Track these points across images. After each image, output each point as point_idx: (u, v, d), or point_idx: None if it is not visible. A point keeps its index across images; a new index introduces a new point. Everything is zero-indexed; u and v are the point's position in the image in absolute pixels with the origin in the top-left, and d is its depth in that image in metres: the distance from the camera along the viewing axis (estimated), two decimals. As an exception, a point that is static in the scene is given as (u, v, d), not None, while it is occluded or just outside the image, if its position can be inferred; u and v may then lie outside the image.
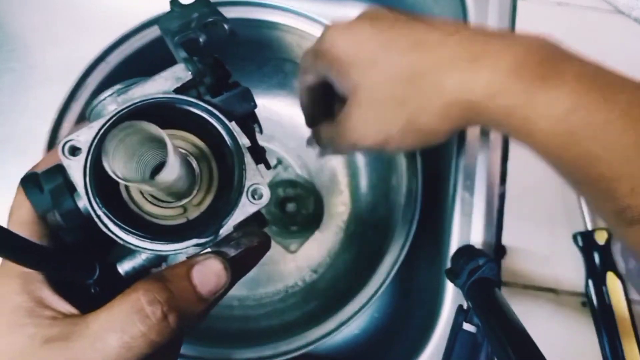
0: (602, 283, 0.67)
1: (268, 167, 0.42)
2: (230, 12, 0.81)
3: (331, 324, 0.72)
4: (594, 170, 0.46)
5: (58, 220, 0.35)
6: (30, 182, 0.36)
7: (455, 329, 0.64)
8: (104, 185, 0.33)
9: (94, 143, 0.34)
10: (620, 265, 0.68)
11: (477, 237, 0.68)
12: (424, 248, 0.78)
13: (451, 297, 0.67)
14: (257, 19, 0.83)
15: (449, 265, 0.67)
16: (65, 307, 0.35)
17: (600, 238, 0.68)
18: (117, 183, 0.34)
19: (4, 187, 0.74)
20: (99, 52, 0.77)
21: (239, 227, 0.35)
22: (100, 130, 0.34)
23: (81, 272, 0.36)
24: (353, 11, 0.81)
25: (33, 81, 0.77)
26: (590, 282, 0.67)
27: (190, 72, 0.36)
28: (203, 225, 0.34)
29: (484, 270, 0.60)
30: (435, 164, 0.79)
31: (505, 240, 0.68)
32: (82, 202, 0.34)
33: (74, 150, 0.34)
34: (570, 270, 0.68)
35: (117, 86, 0.37)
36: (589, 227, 0.68)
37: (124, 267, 0.37)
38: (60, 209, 0.35)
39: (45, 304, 0.35)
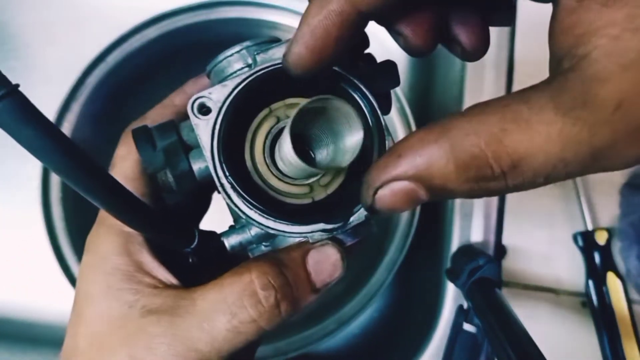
0: (603, 283, 0.67)
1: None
2: (230, 12, 0.81)
3: (331, 324, 0.72)
4: None
5: (169, 181, 0.32)
6: (143, 137, 0.33)
7: (456, 329, 0.64)
8: (229, 152, 0.30)
9: (227, 102, 0.30)
10: (621, 265, 0.68)
11: (477, 237, 0.68)
12: (424, 248, 0.78)
13: (451, 297, 0.67)
14: (257, 18, 0.83)
15: (449, 265, 0.67)
16: (165, 276, 0.33)
17: (601, 238, 0.68)
18: (243, 150, 0.31)
19: (3, 187, 0.73)
20: (98, 52, 0.76)
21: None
22: (234, 89, 0.31)
23: (182, 239, 0.33)
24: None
25: (32, 80, 0.77)
26: (591, 282, 0.67)
27: None
28: (329, 209, 0.31)
29: (484, 271, 0.60)
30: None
31: (506, 240, 0.68)
32: (197, 165, 0.32)
33: (204, 109, 0.31)
34: (570, 270, 0.68)
35: (247, 43, 0.33)
36: (589, 227, 0.68)
37: (230, 241, 0.34)
38: (174, 171, 0.32)
39: (144, 270, 0.33)
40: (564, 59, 0.24)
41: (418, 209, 0.77)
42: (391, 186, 0.24)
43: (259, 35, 0.90)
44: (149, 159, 0.32)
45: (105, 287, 0.32)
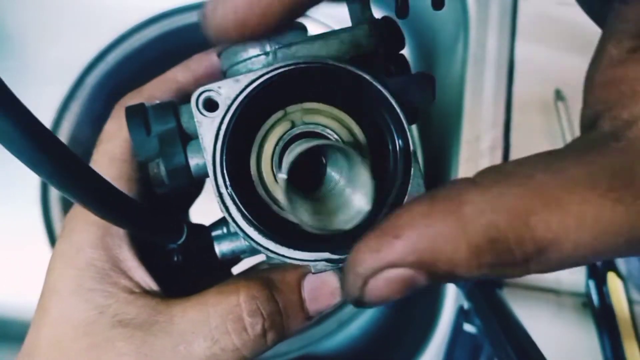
0: (603, 283, 0.67)
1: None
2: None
3: (331, 324, 0.72)
4: None
5: (161, 174, 0.28)
6: (137, 117, 0.29)
7: (456, 330, 0.64)
8: (233, 157, 0.27)
9: (238, 101, 0.27)
10: (621, 265, 0.68)
11: (477, 238, 0.68)
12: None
13: (452, 297, 0.67)
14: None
15: (449, 265, 0.67)
16: (144, 278, 0.30)
17: (601, 238, 0.67)
18: (248, 156, 0.28)
19: (3, 187, 0.73)
20: (97, 52, 0.76)
21: None
22: (247, 86, 0.27)
23: (169, 234, 0.30)
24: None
25: (31, 80, 0.77)
26: (591, 283, 0.67)
27: (372, 40, 0.28)
28: (338, 235, 0.26)
29: (485, 271, 0.60)
30: (436, 163, 0.79)
31: (506, 240, 0.68)
32: (195, 161, 0.28)
33: (211, 105, 0.27)
34: (571, 271, 0.68)
35: None
36: (590, 228, 0.68)
37: (221, 247, 0.30)
38: (167, 163, 0.28)
39: (121, 268, 0.30)
40: (602, 118, 0.20)
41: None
42: (386, 275, 0.20)
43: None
44: (141, 145, 0.29)
45: (75, 285, 0.29)
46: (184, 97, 0.33)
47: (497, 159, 0.71)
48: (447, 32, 0.79)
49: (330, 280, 0.29)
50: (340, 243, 0.26)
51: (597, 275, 0.67)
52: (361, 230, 0.26)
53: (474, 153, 0.71)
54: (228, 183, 0.26)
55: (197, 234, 0.30)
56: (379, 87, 0.27)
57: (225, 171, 0.26)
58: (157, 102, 0.31)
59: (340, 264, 0.27)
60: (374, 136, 0.28)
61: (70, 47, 0.78)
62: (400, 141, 0.27)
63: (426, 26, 0.82)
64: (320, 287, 0.29)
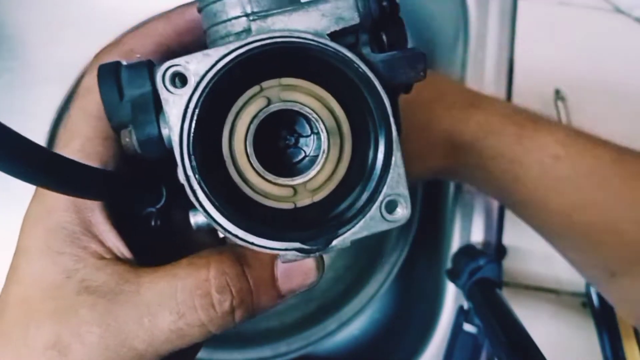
0: (603, 283, 0.67)
1: None
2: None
3: (331, 324, 0.72)
4: (579, 219, 0.46)
5: (133, 144, 0.26)
6: (110, 79, 0.27)
7: (456, 330, 0.64)
8: (203, 135, 0.25)
9: (208, 77, 0.25)
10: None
11: (477, 237, 0.68)
12: (425, 248, 0.77)
13: (452, 297, 0.67)
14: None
15: (449, 265, 0.67)
16: (116, 243, 0.29)
17: (601, 238, 0.67)
18: (220, 133, 0.26)
19: (2, 188, 0.73)
20: (98, 52, 0.76)
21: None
22: (218, 61, 0.25)
23: (145, 197, 0.29)
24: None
25: (31, 80, 0.77)
26: (591, 283, 0.67)
27: (357, 15, 0.26)
28: (312, 221, 0.26)
29: (485, 271, 0.60)
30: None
31: (506, 240, 0.68)
32: (169, 131, 0.26)
33: (178, 80, 0.25)
34: (571, 271, 0.68)
35: None
36: (590, 227, 0.68)
37: (197, 219, 0.28)
38: (139, 133, 0.26)
39: (93, 232, 0.29)
40: None
41: (418, 209, 0.77)
42: None
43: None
44: (114, 111, 0.27)
45: (44, 246, 0.28)
46: (165, 51, 0.32)
47: (497, 159, 0.71)
48: (447, 32, 0.79)
49: (306, 261, 0.29)
50: (312, 233, 0.26)
51: (597, 275, 0.67)
52: (334, 221, 0.26)
53: (474, 153, 0.71)
54: (196, 168, 0.25)
55: (178, 197, 0.28)
56: (362, 67, 0.25)
57: (193, 154, 0.25)
58: (136, 57, 0.29)
59: (311, 255, 0.27)
60: (356, 118, 0.27)
61: (70, 47, 0.78)
62: (383, 127, 0.26)
63: (426, 26, 0.82)
64: (295, 266, 0.29)
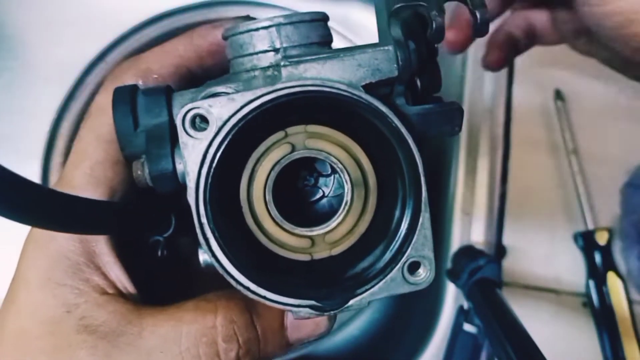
0: (603, 283, 0.67)
1: None
2: (230, 12, 0.81)
3: (331, 325, 0.72)
4: None
5: (145, 177, 0.25)
6: (125, 105, 0.25)
7: (456, 330, 0.64)
8: (221, 183, 0.24)
9: (230, 122, 0.23)
10: (621, 265, 0.68)
11: (477, 237, 0.68)
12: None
13: (452, 297, 0.67)
14: (257, 18, 0.83)
15: (449, 265, 0.67)
16: (120, 278, 0.28)
17: (601, 238, 0.67)
18: (238, 178, 0.25)
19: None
20: (98, 52, 0.76)
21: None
22: (243, 107, 0.23)
23: (153, 228, 0.27)
24: (353, 11, 0.81)
25: (31, 80, 0.77)
26: (591, 283, 0.67)
27: (396, 67, 0.24)
28: (328, 280, 0.25)
29: (485, 271, 0.60)
30: (436, 163, 0.79)
31: (506, 240, 0.68)
32: (184, 170, 0.24)
33: (199, 122, 0.23)
34: (570, 271, 0.68)
35: (279, 19, 0.26)
36: (590, 227, 0.68)
37: (206, 258, 0.26)
38: (152, 167, 0.24)
39: (97, 264, 0.27)
40: None
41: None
42: None
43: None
44: (127, 140, 0.25)
45: (45, 278, 0.27)
46: (185, 73, 0.31)
47: (497, 159, 0.71)
48: (447, 32, 0.79)
49: None
50: (328, 292, 0.24)
51: (597, 275, 0.67)
52: (352, 280, 0.24)
53: (474, 153, 0.71)
54: (211, 217, 0.23)
55: (187, 227, 0.26)
56: (396, 122, 0.24)
57: (208, 202, 0.23)
58: (153, 78, 0.28)
59: (325, 313, 0.25)
60: (384, 172, 0.25)
61: (70, 47, 0.78)
62: (413, 186, 0.25)
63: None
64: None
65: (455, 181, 0.71)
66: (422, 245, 0.25)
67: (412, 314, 0.79)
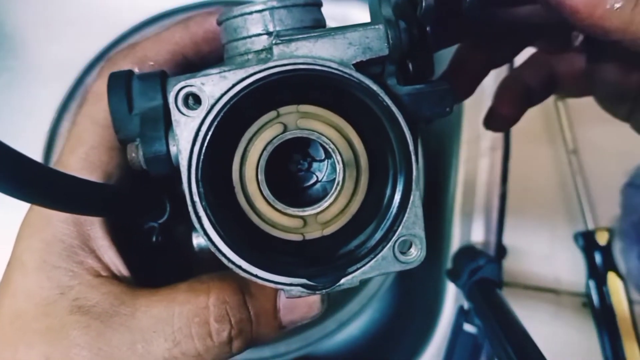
0: (603, 283, 0.67)
1: None
2: (229, 11, 0.81)
3: (331, 324, 0.72)
4: None
5: (139, 159, 0.25)
6: (120, 90, 0.26)
7: (456, 330, 0.64)
8: (213, 161, 0.24)
9: (222, 100, 0.23)
10: (622, 265, 0.68)
11: (478, 237, 0.68)
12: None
13: (452, 297, 0.67)
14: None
15: (449, 265, 0.67)
16: (114, 261, 0.28)
17: (601, 238, 0.67)
18: (231, 157, 0.25)
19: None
20: (98, 51, 0.76)
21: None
22: (235, 85, 0.23)
23: (147, 213, 0.28)
24: (353, 11, 0.81)
25: (31, 80, 0.77)
26: (591, 283, 0.67)
27: (386, 46, 0.24)
28: (320, 259, 0.25)
29: (485, 271, 0.60)
30: (436, 163, 0.79)
31: (506, 240, 0.68)
32: (176, 147, 0.24)
33: (192, 100, 0.24)
34: (571, 271, 0.68)
35: (272, 2, 0.26)
36: (590, 227, 0.68)
37: (200, 241, 0.27)
38: (146, 149, 0.25)
39: (91, 247, 0.28)
40: None
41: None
42: None
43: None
44: (121, 123, 0.26)
45: (40, 260, 0.27)
46: (180, 60, 0.31)
47: (497, 159, 0.71)
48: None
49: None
50: (320, 270, 0.25)
51: (597, 275, 0.67)
52: (344, 259, 0.25)
53: (474, 153, 0.71)
54: (203, 195, 0.23)
55: (182, 214, 0.26)
56: (387, 101, 0.24)
57: (201, 180, 0.23)
58: (149, 65, 0.28)
59: (317, 291, 0.25)
60: (375, 152, 0.26)
61: (70, 47, 0.78)
62: (403, 165, 0.25)
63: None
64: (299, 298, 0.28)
65: (455, 181, 0.71)
66: (413, 223, 0.25)
67: (412, 314, 0.79)
